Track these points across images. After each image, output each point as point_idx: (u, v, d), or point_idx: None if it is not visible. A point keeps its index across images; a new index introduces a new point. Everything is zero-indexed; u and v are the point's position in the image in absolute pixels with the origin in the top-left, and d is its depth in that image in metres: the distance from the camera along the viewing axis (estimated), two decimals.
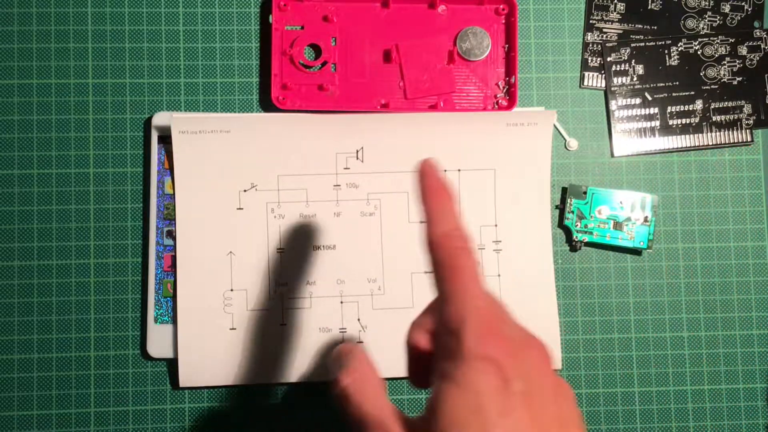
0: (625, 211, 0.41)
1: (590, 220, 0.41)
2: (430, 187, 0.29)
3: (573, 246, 0.41)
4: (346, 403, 0.27)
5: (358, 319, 0.39)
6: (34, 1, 0.41)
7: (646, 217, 0.41)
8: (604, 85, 0.42)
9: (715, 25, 0.42)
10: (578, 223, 0.41)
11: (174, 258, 0.39)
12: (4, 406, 0.39)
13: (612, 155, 0.42)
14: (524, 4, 0.42)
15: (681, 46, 0.42)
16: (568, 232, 0.41)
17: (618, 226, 0.41)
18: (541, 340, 0.25)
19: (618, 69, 0.42)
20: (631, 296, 0.41)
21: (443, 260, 0.27)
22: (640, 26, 0.42)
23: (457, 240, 0.27)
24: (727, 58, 0.42)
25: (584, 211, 0.41)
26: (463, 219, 0.28)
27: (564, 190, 0.41)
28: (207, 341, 0.39)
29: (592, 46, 0.42)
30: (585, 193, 0.41)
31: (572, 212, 0.41)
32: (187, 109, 0.41)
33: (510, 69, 0.41)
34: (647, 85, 0.42)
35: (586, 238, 0.41)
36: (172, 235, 0.39)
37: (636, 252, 0.41)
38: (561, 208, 0.41)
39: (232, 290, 0.39)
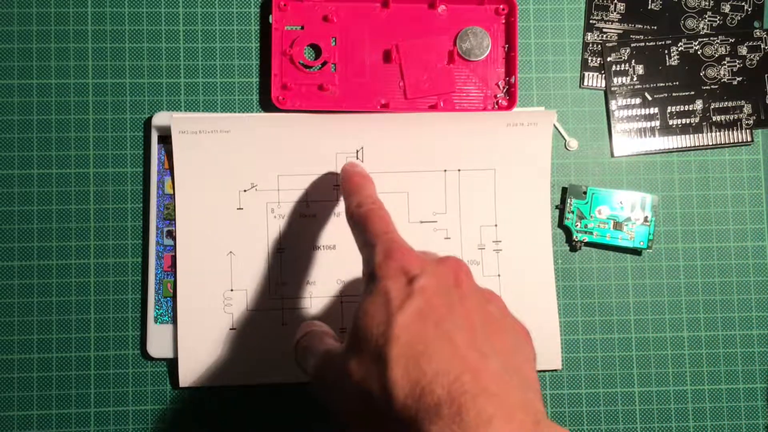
0: (625, 211, 0.41)
1: (590, 220, 0.41)
2: (346, 174, 0.36)
3: (573, 246, 0.41)
4: (303, 354, 0.32)
5: None
6: (34, 1, 0.41)
7: (646, 217, 0.41)
8: (604, 85, 0.42)
9: (715, 25, 0.42)
10: (578, 223, 0.41)
11: (174, 258, 0.39)
12: (4, 406, 0.39)
13: (612, 155, 0.42)
14: (524, 4, 0.42)
15: (681, 46, 0.42)
16: (568, 232, 0.41)
17: (618, 226, 0.41)
18: (458, 259, 0.29)
19: (618, 69, 0.42)
20: (631, 296, 0.41)
21: (358, 221, 0.33)
22: (640, 26, 0.42)
23: (366, 205, 0.33)
24: (727, 58, 0.42)
25: (584, 211, 0.41)
26: (374, 192, 0.35)
27: (564, 190, 0.41)
28: (207, 341, 0.39)
29: (592, 46, 0.42)
30: (585, 193, 0.41)
31: (572, 212, 0.41)
32: (187, 109, 0.41)
33: (510, 69, 0.41)
34: (647, 85, 0.42)
35: (586, 238, 0.41)
36: (172, 235, 0.39)
37: (636, 252, 0.41)
38: (561, 208, 0.41)
39: (232, 290, 0.39)
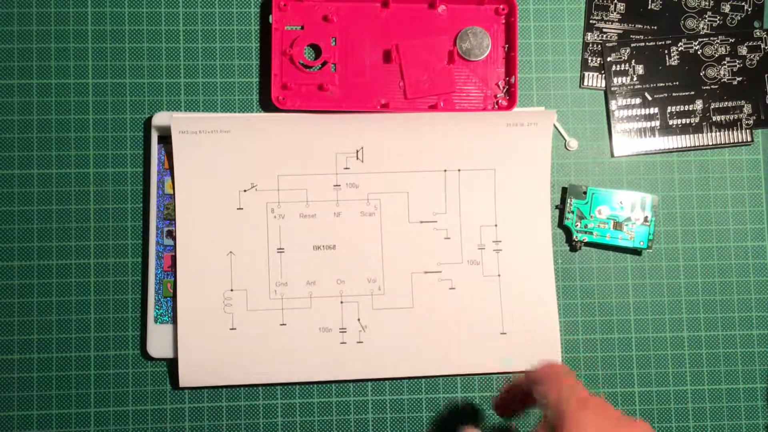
0: (625, 211, 0.41)
1: (590, 220, 0.41)
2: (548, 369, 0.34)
3: (573, 246, 0.41)
4: None
5: (358, 319, 0.39)
6: (34, 1, 0.41)
7: (646, 217, 0.41)
8: (604, 85, 0.42)
9: (715, 25, 0.42)
10: (578, 223, 0.41)
11: (174, 258, 0.39)
12: (4, 406, 0.39)
13: (612, 155, 0.42)
14: (524, 4, 0.42)
15: (681, 46, 0.42)
16: (568, 232, 0.41)
17: (618, 226, 0.41)
18: (646, 424, 0.29)
19: (618, 69, 0.42)
20: (631, 296, 0.41)
21: (548, 377, 0.32)
22: (640, 26, 0.42)
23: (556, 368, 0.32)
24: (727, 58, 0.42)
25: (584, 211, 0.41)
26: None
27: (564, 190, 0.41)
28: (207, 341, 0.39)
29: (592, 46, 0.42)
30: (585, 193, 0.41)
31: (572, 212, 0.41)
32: (187, 109, 0.41)
33: (510, 69, 0.41)
34: (647, 85, 0.42)
35: (586, 238, 0.41)
36: (172, 235, 0.39)
37: (636, 252, 0.41)
38: (561, 208, 0.41)
39: (232, 290, 0.39)
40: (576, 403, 0.29)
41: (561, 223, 0.41)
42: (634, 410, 0.40)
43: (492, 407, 0.36)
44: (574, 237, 0.41)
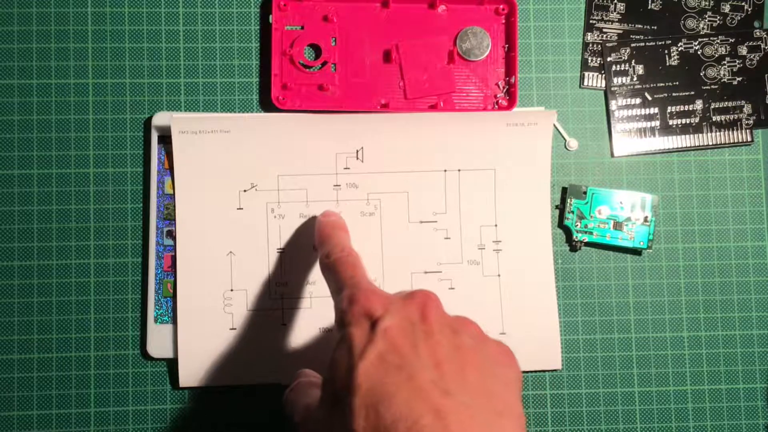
0: (625, 211, 0.41)
1: (590, 220, 0.41)
2: (318, 225, 0.37)
3: (573, 246, 0.41)
4: (289, 409, 0.32)
5: None
6: (34, 1, 0.41)
7: (646, 217, 0.41)
8: (604, 85, 0.42)
9: (715, 25, 0.42)
10: (578, 223, 0.41)
11: (174, 258, 0.39)
12: (4, 406, 0.39)
13: (612, 155, 0.42)
14: (524, 4, 0.42)
15: (681, 46, 0.42)
16: (568, 232, 0.41)
17: (618, 226, 0.41)
18: (427, 291, 0.29)
19: (618, 69, 0.42)
20: (631, 296, 0.41)
21: (328, 270, 0.33)
22: (640, 26, 0.42)
23: (335, 254, 0.33)
24: (727, 58, 0.42)
25: (584, 211, 0.41)
26: (348, 242, 0.35)
27: (564, 190, 0.41)
28: (207, 341, 0.39)
29: (592, 46, 0.42)
30: (585, 193, 0.41)
31: (572, 212, 0.41)
32: (187, 109, 0.41)
33: (510, 69, 0.41)
34: (647, 85, 0.42)
35: (586, 238, 0.41)
36: (172, 235, 0.39)
37: (636, 252, 0.41)
38: (561, 208, 0.41)
39: (232, 290, 0.39)
40: (345, 300, 0.29)
41: (561, 223, 0.41)
42: (634, 410, 0.40)
43: None
44: (574, 237, 0.41)
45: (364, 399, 0.25)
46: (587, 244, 0.41)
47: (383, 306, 0.28)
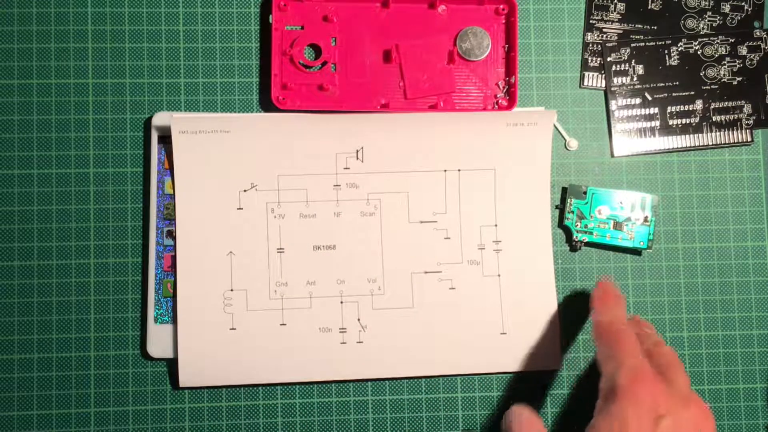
0: (625, 211, 0.41)
1: (590, 220, 0.41)
2: (604, 288, 0.37)
3: (573, 246, 0.41)
4: None
5: (358, 319, 0.39)
6: (34, 1, 0.41)
7: (646, 217, 0.41)
8: (604, 85, 0.42)
9: (715, 25, 0.42)
10: (578, 223, 0.41)
11: (174, 258, 0.39)
12: (4, 406, 0.39)
13: (612, 155, 0.42)
14: (524, 4, 0.42)
15: (681, 46, 0.42)
16: (568, 232, 0.41)
17: (618, 226, 0.41)
18: (704, 404, 0.30)
19: (618, 69, 0.42)
20: (631, 296, 0.41)
21: (608, 336, 0.33)
22: (640, 26, 0.42)
23: (618, 324, 0.34)
24: (727, 58, 0.42)
25: (584, 211, 0.41)
26: (624, 315, 0.36)
27: (564, 190, 0.41)
28: (207, 341, 0.39)
29: (592, 46, 0.42)
30: (585, 193, 0.41)
31: (572, 212, 0.41)
32: (187, 109, 0.41)
33: (510, 69, 0.41)
34: (647, 85, 0.42)
35: (586, 238, 0.41)
36: (172, 235, 0.39)
37: (636, 252, 0.41)
38: (561, 208, 0.41)
39: (232, 290, 0.39)
40: (627, 374, 0.30)
41: (561, 223, 0.41)
42: None
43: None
44: (574, 237, 0.41)
45: None
46: (587, 244, 0.41)
47: (667, 403, 0.29)
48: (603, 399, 0.30)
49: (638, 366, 0.31)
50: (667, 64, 0.42)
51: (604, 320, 0.35)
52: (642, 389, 0.29)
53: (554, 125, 0.41)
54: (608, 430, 0.29)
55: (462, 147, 0.40)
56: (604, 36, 0.42)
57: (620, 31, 0.42)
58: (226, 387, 0.39)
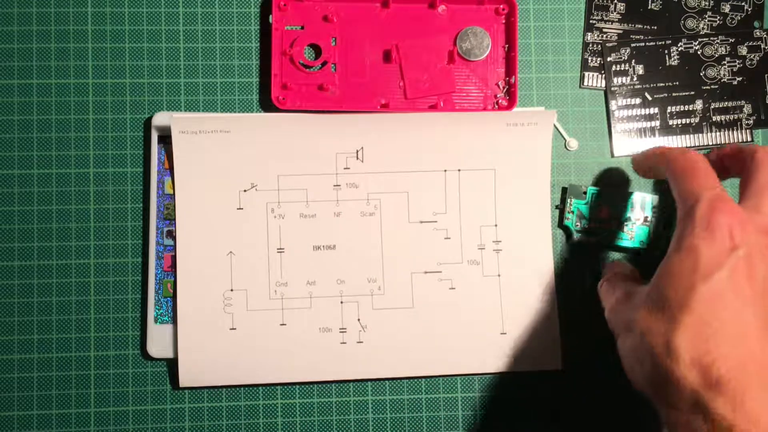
0: (626, 211, 0.41)
1: (590, 220, 0.41)
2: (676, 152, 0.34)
3: (573, 246, 0.41)
4: (605, 292, 0.35)
5: (358, 319, 0.39)
6: (34, 1, 0.41)
7: (646, 217, 0.41)
8: (604, 85, 0.42)
9: (715, 25, 0.42)
10: (578, 223, 0.41)
11: (174, 258, 0.39)
12: (4, 406, 0.39)
13: (612, 155, 0.42)
14: (524, 4, 0.42)
15: (681, 46, 0.42)
16: (568, 232, 0.41)
17: (618, 226, 0.40)
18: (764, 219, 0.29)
19: (618, 69, 0.42)
20: None
21: (684, 166, 0.31)
22: (640, 26, 0.42)
23: (692, 154, 0.32)
24: (727, 58, 0.42)
25: (584, 211, 0.41)
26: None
27: (564, 190, 0.41)
28: (207, 341, 0.39)
29: (592, 46, 0.42)
30: (585, 193, 0.41)
31: (572, 212, 0.41)
32: (187, 109, 0.41)
33: (510, 69, 0.41)
34: (647, 85, 0.42)
35: (586, 238, 0.40)
36: (172, 235, 0.39)
37: (636, 252, 0.41)
38: (561, 208, 0.41)
39: (232, 290, 0.39)
40: (702, 206, 0.28)
41: (561, 223, 0.41)
42: (634, 410, 0.40)
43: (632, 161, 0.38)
44: (574, 237, 0.41)
45: (695, 323, 0.26)
46: (587, 244, 0.41)
47: (743, 232, 0.28)
48: (678, 234, 0.29)
49: (717, 194, 0.29)
50: (667, 64, 0.42)
51: (676, 151, 0.33)
52: (717, 220, 0.28)
53: (554, 125, 0.41)
54: (680, 263, 0.28)
55: (462, 147, 0.40)
56: (604, 36, 0.42)
57: (620, 31, 0.42)
58: (226, 387, 0.39)
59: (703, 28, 0.42)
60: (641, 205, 0.41)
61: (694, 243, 0.28)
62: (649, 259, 0.41)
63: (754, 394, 0.25)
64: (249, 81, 0.41)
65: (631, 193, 0.41)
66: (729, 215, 0.28)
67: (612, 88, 0.42)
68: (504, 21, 0.41)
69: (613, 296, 0.33)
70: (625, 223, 0.40)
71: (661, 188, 0.41)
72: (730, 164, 0.34)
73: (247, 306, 0.39)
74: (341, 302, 0.39)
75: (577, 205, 0.41)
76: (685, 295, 0.27)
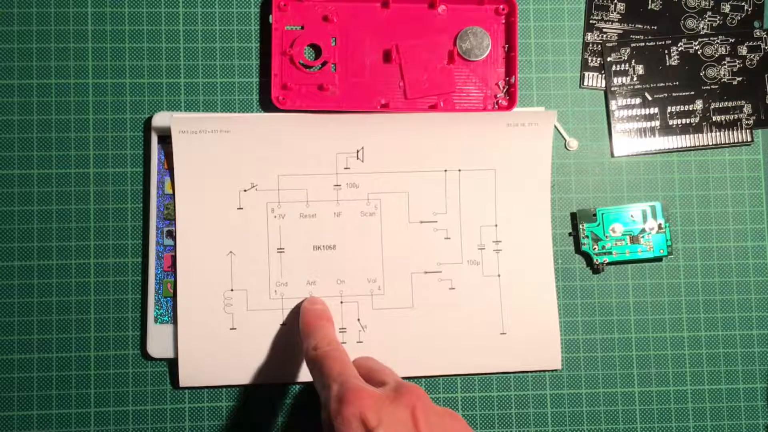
0: (638, 223, 0.40)
1: (606, 241, 0.40)
2: (303, 314, 0.37)
3: (596, 269, 0.41)
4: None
5: (358, 319, 0.39)
6: (34, 1, 0.41)
7: (660, 224, 0.40)
8: (604, 85, 0.42)
9: (715, 25, 0.42)
10: (595, 246, 0.40)
11: (174, 258, 0.39)
12: (4, 406, 0.39)
13: (612, 155, 0.42)
14: (524, 4, 0.42)
15: (681, 46, 0.42)
16: (587, 257, 0.41)
17: (634, 239, 0.40)
18: (414, 389, 0.30)
19: (618, 69, 0.42)
20: (631, 296, 0.41)
21: (314, 364, 0.33)
22: (640, 26, 0.42)
23: (321, 347, 0.33)
24: (727, 58, 0.42)
25: (598, 233, 0.40)
26: (334, 334, 0.36)
27: (573, 216, 0.41)
28: (207, 341, 0.39)
29: (592, 46, 0.42)
30: (594, 215, 0.40)
31: (587, 237, 0.40)
32: (187, 109, 0.41)
33: (510, 69, 0.41)
34: (647, 85, 0.42)
35: (607, 259, 0.40)
36: (172, 235, 0.39)
37: (658, 260, 0.41)
38: (575, 235, 0.41)
39: (232, 290, 0.39)
40: (333, 401, 0.29)
41: (578, 250, 0.41)
42: (635, 410, 0.40)
43: None
44: (595, 261, 0.40)
45: None
46: (609, 264, 0.41)
47: (376, 413, 0.28)
48: (324, 429, 0.30)
49: (342, 383, 0.30)
50: (667, 64, 0.42)
51: (309, 346, 0.34)
52: (348, 407, 0.29)
53: (554, 125, 0.41)
54: None
55: (462, 147, 0.40)
56: (604, 36, 0.42)
57: (620, 31, 0.42)
58: (226, 387, 0.39)
59: (703, 28, 0.42)
60: (651, 213, 0.40)
61: None
62: (673, 263, 0.41)
63: None
64: (249, 81, 0.41)
65: (639, 205, 0.40)
66: (355, 404, 0.29)
67: (612, 88, 0.42)
68: (504, 21, 0.41)
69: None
70: (641, 235, 0.40)
71: (662, 192, 0.41)
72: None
73: (247, 306, 0.39)
74: (341, 302, 0.39)
75: (590, 229, 0.40)
76: None
